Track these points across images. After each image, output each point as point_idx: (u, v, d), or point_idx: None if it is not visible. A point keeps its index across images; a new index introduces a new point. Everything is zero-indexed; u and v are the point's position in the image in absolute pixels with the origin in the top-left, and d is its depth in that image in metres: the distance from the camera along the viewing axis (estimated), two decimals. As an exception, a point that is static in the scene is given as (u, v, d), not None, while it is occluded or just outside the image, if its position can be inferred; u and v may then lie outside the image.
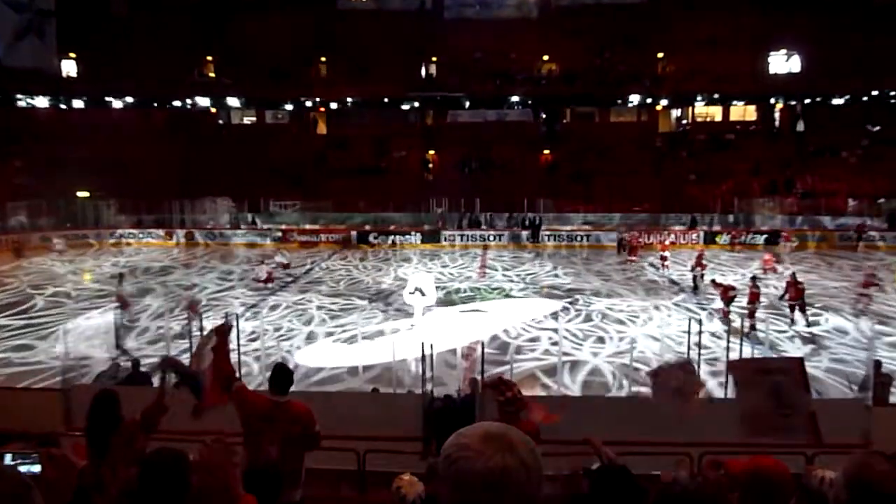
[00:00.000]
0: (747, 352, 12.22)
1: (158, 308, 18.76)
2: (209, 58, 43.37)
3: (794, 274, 17.48)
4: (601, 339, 15.94)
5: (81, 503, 3.26)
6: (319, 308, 19.43)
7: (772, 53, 40.94)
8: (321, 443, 4.65)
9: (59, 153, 35.10)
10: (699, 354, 11.52)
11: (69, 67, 42.57)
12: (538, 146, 40.70)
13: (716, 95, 41.25)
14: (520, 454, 1.42)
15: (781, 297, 17.13)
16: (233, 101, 42.75)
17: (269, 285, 21.83)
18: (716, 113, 44.74)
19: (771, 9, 39.03)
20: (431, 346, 9.90)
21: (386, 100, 41.79)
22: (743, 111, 44.06)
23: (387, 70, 39.77)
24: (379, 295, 21.31)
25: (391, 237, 33.20)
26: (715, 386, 12.54)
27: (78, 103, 41.62)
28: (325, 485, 5.95)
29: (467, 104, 42.77)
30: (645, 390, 11.78)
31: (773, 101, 41.74)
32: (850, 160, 36.90)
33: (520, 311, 19.05)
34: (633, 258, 26.37)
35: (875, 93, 38.47)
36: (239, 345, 11.90)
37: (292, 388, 4.78)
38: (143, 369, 11.01)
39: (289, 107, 43.99)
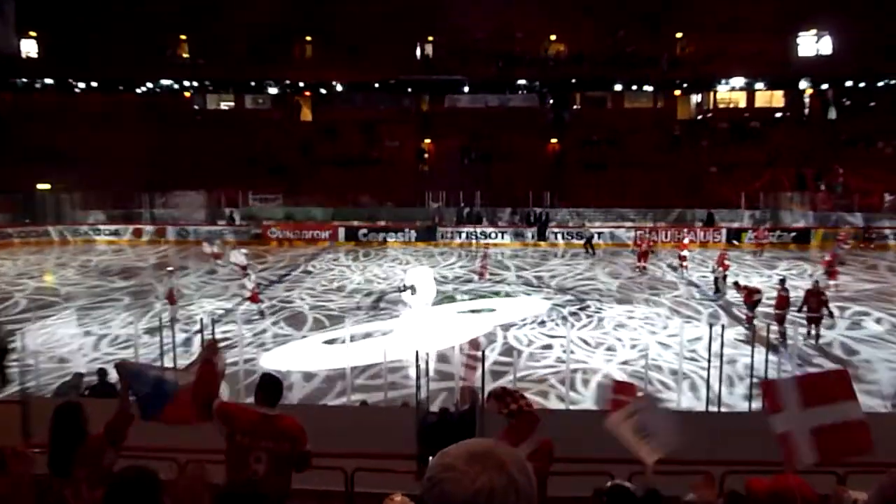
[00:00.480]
0: (773, 361, 12.22)
1: (129, 313, 18.73)
2: (183, 37, 43.30)
3: (817, 282, 17.41)
4: (611, 348, 15.98)
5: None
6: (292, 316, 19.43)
7: (801, 34, 40.98)
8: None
9: (17, 141, 35.03)
10: (720, 363, 11.53)
11: (29, 48, 42.46)
12: (545, 134, 40.72)
13: (739, 80, 41.30)
14: (509, 473, 1.43)
15: (800, 308, 16.63)
16: (209, 85, 42.72)
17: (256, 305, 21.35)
18: (739, 99, 44.81)
19: (800, -15, 39.13)
20: (427, 354, 9.90)
21: (378, 83, 41.79)
22: (769, 97, 44.14)
23: (379, 51, 39.74)
24: (368, 297, 21.33)
25: (382, 234, 33.21)
26: (738, 399, 12.57)
27: (39, 86, 41.53)
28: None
29: (467, 88, 42.80)
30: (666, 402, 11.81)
31: (801, 86, 41.79)
32: (886, 151, 36.96)
33: (521, 312, 19.12)
34: (643, 265, 25.37)
35: (914, 77, 38.59)
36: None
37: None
38: (110, 380, 11.00)
39: (271, 91, 43.96)
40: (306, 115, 44.99)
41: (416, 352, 9.71)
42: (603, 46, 41.26)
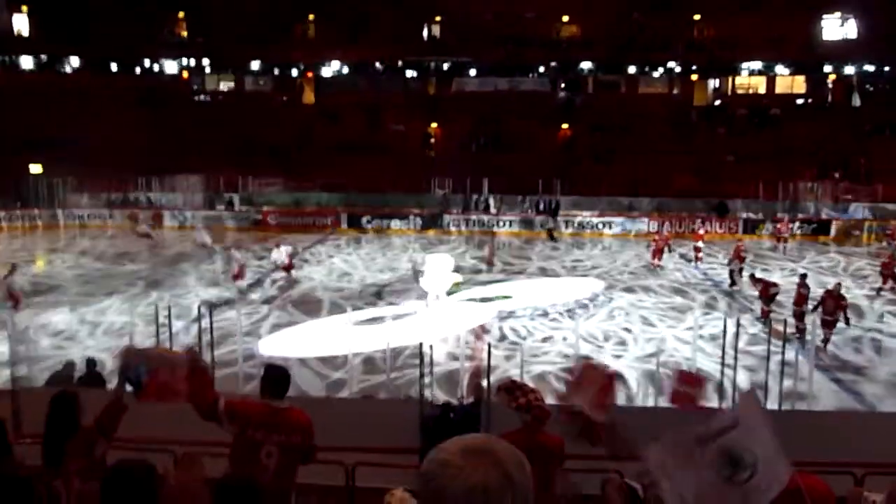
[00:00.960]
0: (790, 357, 12.17)
1: (123, 301, 18.82)
2: (180, 14, 43.24)
3: (839, 284, 16.64)
4: (623, 342, 16.00)
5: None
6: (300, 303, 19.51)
7: (825, 17, 40.74)
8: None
9: (7, 122, 35.05)
10: (735, 359, 11.52)
11: (20, 24, 42.46)
12: (555, 120, 40.61)
13: (759, 64, 41.09)
14: (505, 469, 1.45)
15: (815, 309, 15.93)
16: (208, 65, 42.68)
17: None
18: (759, 84, 44.58)
19: (825, -35, 38.88)
20: (431, 346, 9.93)
21: (382, 65, 41.71)
22: (790, 83, 43.90)
23: (384, 31, 39.68)
24: (371, 287, 21.41)
25: (386, 221, 33.26)
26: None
27: (30, 64, 41.54)
28: (310, 502, 5.99)
29: (475, 71, 42.68)
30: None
31: (825, 71, 41.55)
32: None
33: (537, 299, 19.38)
34: (658, 263, 24.63)
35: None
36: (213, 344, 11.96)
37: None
38: (99, 369, 11.08)
39: (274, 71, 43.89)
40: (308, 97, 44.94)
41: (420, 344, 9.75)
42: (617, 29, 41.09)
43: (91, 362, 11.20)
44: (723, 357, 11.38)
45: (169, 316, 12.49)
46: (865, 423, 9.40)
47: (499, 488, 1.42)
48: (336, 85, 44.19)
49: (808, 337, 14.52)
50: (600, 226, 32.88)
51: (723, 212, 32.89)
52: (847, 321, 15.80)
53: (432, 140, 40.46)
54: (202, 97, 45.04)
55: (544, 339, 16.08)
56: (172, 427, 4.66)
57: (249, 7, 39.92)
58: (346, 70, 42.98)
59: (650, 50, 40.55)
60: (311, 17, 42.96)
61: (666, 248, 24.97)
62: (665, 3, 40.68)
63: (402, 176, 36.01)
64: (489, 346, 10.59)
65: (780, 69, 42.50)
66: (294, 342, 15.79)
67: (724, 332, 11.60)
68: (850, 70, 41.07)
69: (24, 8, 42.05)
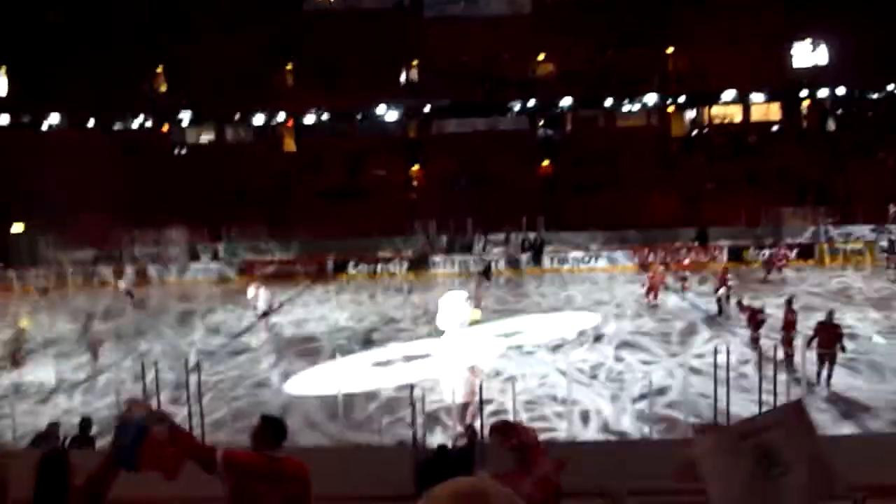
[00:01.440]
0: (781, 382, 12.22)
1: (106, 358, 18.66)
2: (158, 70, 43.55)
3: (831, 312, 15.80)
4: (618, 378, 16.01)
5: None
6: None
7: (796, 44, 41.52)
8: None
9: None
10: (727, 388, 11.55)
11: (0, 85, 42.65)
12: (536, 157, 40.97)
13: (733, 93, 41.73)
14: None
15: (809, 343, 14.85)
16: (185, 118, 42.87)
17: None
18: (735, 113, 45.24)
19: (793, -7, 39.67)
20: (423, 391, 9.92)
21: (362, 111, 42.05)
22: (766, 110, 44.59)
23: (362, 76, 40.07)
24: (363, 335, 21.36)
25: (372, 266, 33.28)
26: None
27: (7, 122, 41.60)
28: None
29: (453, 112, 43.06)
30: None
31: (798, 97, 42.24)
32: (889, 162, 37.32)
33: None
34: (653, 300, 23.76)
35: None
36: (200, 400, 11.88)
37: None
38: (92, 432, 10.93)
39: (254, 121, 44.13)
40: (289, 145, 45.17)
41: (411, 388, 9.73)
42: (592, 65, 41.73)
43: (86, 422, 11.02)
44: (714, 384, 11.41)
45: (156, 371, 12.42)
46: (866, 446, 9.41)
47: None
48: (316, 132, 44.45)
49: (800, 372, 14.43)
50: (586, 259, 33.01)
51: (703, 240, 33.04)
52: (843, 349, 15.03)
53: (414, 182, 40.66)
54: (182, 150, 45.10)
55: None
56: (166, 484, 4.60)
57: (228, 59, 40.21)
58: (325, 116, 43.26)
59: (626, 84, 41.13)
60: (288, 66, 43.37)
61: (662, 286, 24.35)
62: (638, 38, 41.41)
63: (385, 220, 36.09)
64: (479, 386, 10.59)
65: (755, 97, 43.17)
66: (319, 383, 15.85)
67: (715, 359, 11.66)
68: (822, 96, 41.76)
69: (2, 67, 42.27)
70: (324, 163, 41.55)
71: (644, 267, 29.89)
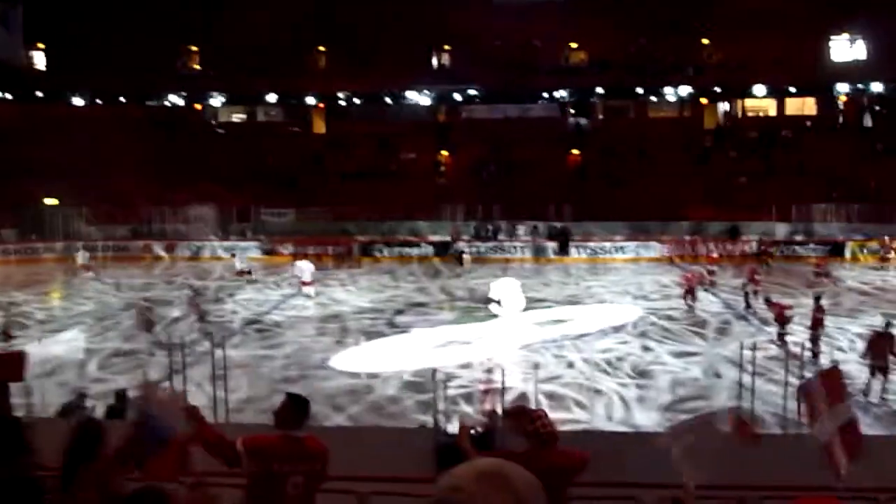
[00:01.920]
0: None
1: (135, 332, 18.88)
2: (193, 48, 43.82)
3: (889, 322, 14.18)
4: (643, 370, 15.90)
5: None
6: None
7: (833, 38, 40.78)
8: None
9: (23, 155, 35.46)
10: (753, 382, 11.41)
11: (37, 59, 43.19)
12: (565, 145, 40.70)
13: (768, 86, 41.07)
14: (517, 492, 1.44)
15: (864, 355, 14.19)
16: (218, 97, 43.14)
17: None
18: (769, 107, 44.58)
19: (832, -14, 38.94)
20: (445, 375, 9.90)
21: (389, 97, 42.03)
22: (801, 104, 43.87)
23: (393, 60, 39.97)
24: (389, 317, 21.43)
25: (398, 249, 33.36)
26: (770, 421, 12.43)
27: (45, 98, 42.15)
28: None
29: (483, 98, 42.87)
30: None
31: (835, 92, 41.51)
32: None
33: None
34: (691, 302, 22.11)
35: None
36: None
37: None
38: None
39: (284, 102, 44.27)
40: (319, 127, 45.27)
41: (434, 372, 9.72)
42: (625, 54, 41.26)
43: (121, 394, 11.13)
44: (740, 378, 11.28)
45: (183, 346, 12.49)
46: (889, 447, 9.25)
47: None
48: (347, 114, 44.52)
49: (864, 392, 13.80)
50: (613, 250, 32.81)
51: (734, 234, 32.79)
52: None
53: (442, 168, 40.59)
54: (215, 129, 45.43)
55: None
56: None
57: (261, 39, 40.35)
58: (356, 100, 43.29)
59: (659, 74, 40.63)
60: (321, 48, 43.40)
61: (699, 286, 23.01)
62: (673, 28, 40.85)
63: (413, 204, 36.12)
64: (502, 371, 10.55)
65: (790, 91, 42.43)
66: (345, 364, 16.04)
67: (741, 357, 11.52)
68: (859, 91, 40.96)
69: (41, 45, 42.81)
70: (353, 145, 41.60)
71: (673, 260, 29.65)
